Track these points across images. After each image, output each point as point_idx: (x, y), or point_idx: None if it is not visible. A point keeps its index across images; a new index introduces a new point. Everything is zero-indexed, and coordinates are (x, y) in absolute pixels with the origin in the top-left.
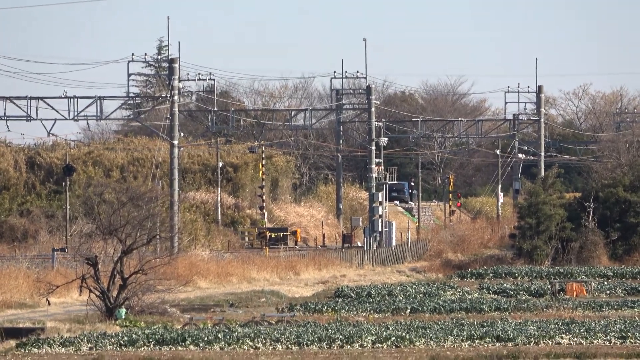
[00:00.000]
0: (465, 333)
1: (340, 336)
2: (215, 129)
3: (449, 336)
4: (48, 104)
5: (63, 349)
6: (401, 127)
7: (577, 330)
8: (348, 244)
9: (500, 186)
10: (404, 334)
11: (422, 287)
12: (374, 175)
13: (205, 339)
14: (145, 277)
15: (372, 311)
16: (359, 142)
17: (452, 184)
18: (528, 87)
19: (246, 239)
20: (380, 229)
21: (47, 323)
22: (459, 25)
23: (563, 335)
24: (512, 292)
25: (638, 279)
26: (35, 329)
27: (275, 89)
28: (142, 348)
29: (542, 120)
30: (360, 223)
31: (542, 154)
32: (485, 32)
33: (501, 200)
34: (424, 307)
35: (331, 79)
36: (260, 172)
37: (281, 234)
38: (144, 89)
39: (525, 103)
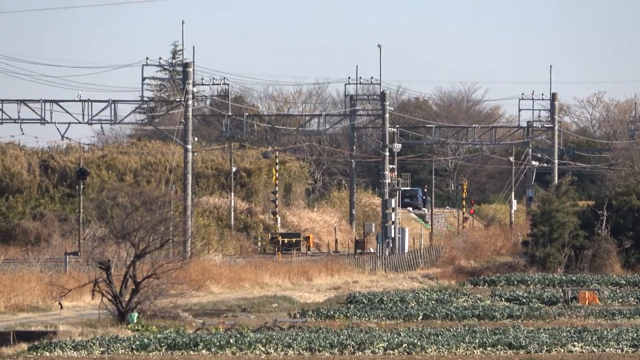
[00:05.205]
0: (477, 340)
1: (352, 342)
2: (229, 133)
3: (461, 343)
4: (62, 108)
5: (75, 352)
6: (415, 134)
7: (589, 339)
8: (361, 250)
9: (513, 193)
10: (415, 340)
11: (435, 294)
12: (387, 181)
13: (217, 343)
14: (158, 282)
15: (384, 317)
16: (373, 148)
17: (465, 190)
18: (542, 94)
19: (259, 244)
20: (393, 235)
21: (59, 327)
22: (474, 32)
23: (575, 344)
24: (524, 300)
25: None
26: (47, 332)
27: (289, 94)
28: (154, 352)
29: (556, 127)
30: (373, 229)
31: (556, 161)
32: (499, 39)
33: (514, 207)
34: (436, 314)
35: (345, 84)
36: (274, 177)
37: (294, 240)
38: (158, 93)
39: (540, 110)
